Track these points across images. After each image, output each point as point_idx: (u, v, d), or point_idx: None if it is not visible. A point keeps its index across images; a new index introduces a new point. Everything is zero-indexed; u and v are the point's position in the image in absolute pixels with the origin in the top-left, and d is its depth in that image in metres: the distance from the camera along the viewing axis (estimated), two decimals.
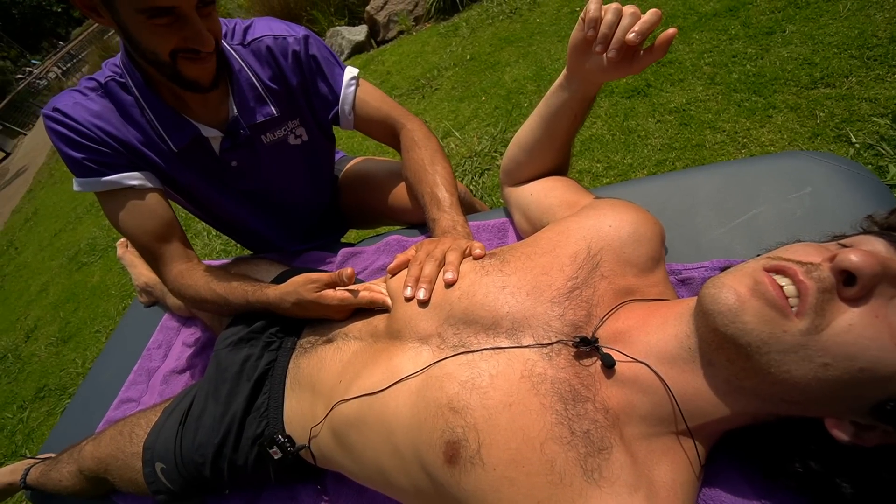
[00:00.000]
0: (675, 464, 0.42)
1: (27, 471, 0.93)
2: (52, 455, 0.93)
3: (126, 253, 1.36)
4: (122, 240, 1.42)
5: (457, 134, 2.31)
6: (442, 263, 0.59)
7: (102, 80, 0.76)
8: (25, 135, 10.66)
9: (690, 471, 0.42)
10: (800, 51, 1.64)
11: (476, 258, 0.58)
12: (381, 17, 3.82)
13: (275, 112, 0.84)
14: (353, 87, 0.88)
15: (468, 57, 2.89)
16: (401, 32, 3.78)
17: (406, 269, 0.62)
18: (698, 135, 1.62)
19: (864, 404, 0.37)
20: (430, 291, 0.56)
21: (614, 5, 0.52)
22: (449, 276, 0.55)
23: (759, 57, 1.72)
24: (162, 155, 0.80)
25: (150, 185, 0.79)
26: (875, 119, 1.31)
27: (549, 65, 2.42)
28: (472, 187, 2.01)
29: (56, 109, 0.73)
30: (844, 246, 0.39)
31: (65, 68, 13.05)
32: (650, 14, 0.50)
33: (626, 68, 0.55)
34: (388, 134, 0.93)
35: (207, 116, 0.80)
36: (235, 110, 0.81)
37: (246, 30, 0.83)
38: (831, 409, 0.39)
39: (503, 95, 2.40)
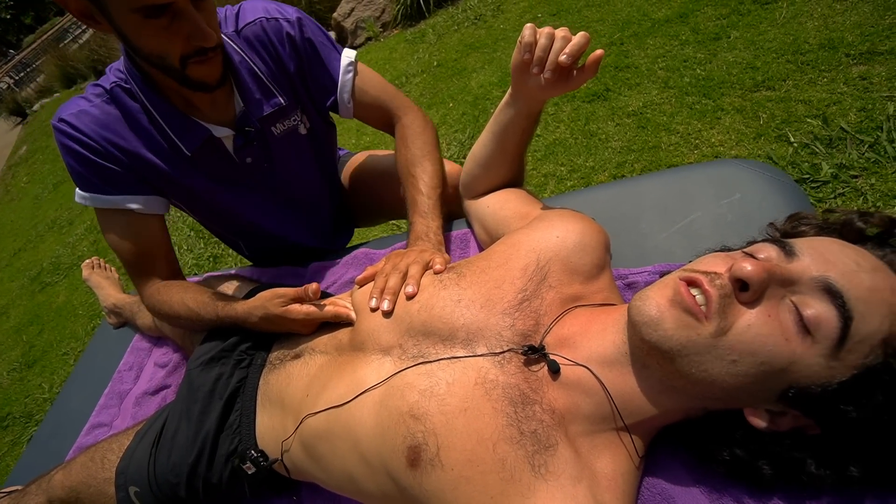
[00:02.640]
0: (616, 456, 0.46)
1: None
2: (19, 487, 0.91)
3: (92, 275, 1.34)
4: (88, 261, 1.40)
5: None
6: (406, 276, 0.62)
7: (108, 86, 0.74)
8: None
9: (630, 462, 0.47)
10: (743, 55, 1.74)
11: (436, 273, 0.61)
12: (348, 24, 3.82)
13: (282, 101, 0.81)
14: (350, 74, 0.85)
15: (435, 63, 2.94)
16: (368, 39, 3.80)
17: (373, 282, 0.65)
18: (654, 137, 1.70)
19: (772, 393, 0.42)
20: (394, 303, 0.59)
21: (546, 30, 0.56)
22: (409, 289, 0.59)
23: (708, 61, 1.82)
24: (173, 162, 0.78)
25: (150, 211, 0.79)
26: (809, 119, 1.41)
27: None
28: None
29: (63, 120, 0.72)
30: (747, 254, 0.44)
31: (17, 78, 12.45)
32: (579, 37, 0.54)
33: (563, 86, 0.59)
34: (386, 124, 0.91)
35: (216, 115, 0.78)
36: (242, 104, 0.78)
37: (237, 15, 0.80)
38: (747, 401, 0.44)
39: (470, 101, 2.45)
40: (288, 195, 0.94)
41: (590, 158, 1.77)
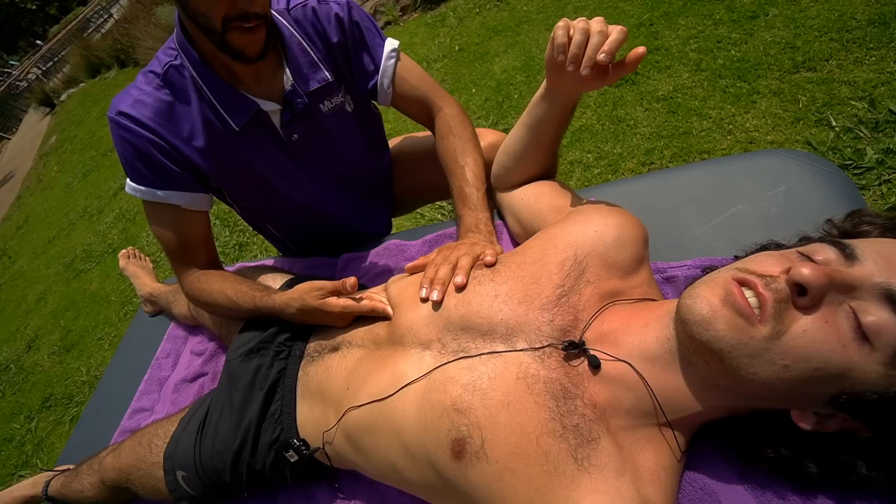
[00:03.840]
0: (658, 450, 0.46)
1: (48, 483, 0.96)
2: (71, 466, 0.97)
3: (128, 265, 1.38)
4: (124, 252, 1.44)
5: None
6: (455, 268, 0.61)
7: (160, 70, 0.75)
8: (9, 139, 10.46)
9: (672, 456, 0.47)
10: (782, 35, 1.66)
11: (487, 265, 0.60)
12: (367, 8, 3.78)
13: (329, 77, 0.83)
14: (393, 60, 0.87)
15: (457, 48, 2.89)
16: (388, 23, 3.75)
17: (408, 275, 0.66)
18: (685, 122, 1.65)
19: (823, 397, 0.41)
20: (444, 294, 0.59)
21: (581, 25, 0.54)
22: (458, 279, 0.58)
23: (744, 42, 1.75)
24: (222, 139, 0.78)
25: (196, 207, 0.81)
26: (854, 102, 1.34)
27: (537, 54, 2.43)
28: None
29: (122, 113, 0.73)
30: (802, 254, 0.42)
31: (44, 68, 12.77)
32: (616, 33, 0.52)
33: (601, 81, 0.57)
34: (425, 114, 0.92)
35: (262, 90, 0.79)
36: (291, 79, 0.79)
37: None
38: (795, 403, 0.43)
39: (493, 87, 2.40)
40: (336, 174, 0.95)
41: (617, 145, 1.73)
